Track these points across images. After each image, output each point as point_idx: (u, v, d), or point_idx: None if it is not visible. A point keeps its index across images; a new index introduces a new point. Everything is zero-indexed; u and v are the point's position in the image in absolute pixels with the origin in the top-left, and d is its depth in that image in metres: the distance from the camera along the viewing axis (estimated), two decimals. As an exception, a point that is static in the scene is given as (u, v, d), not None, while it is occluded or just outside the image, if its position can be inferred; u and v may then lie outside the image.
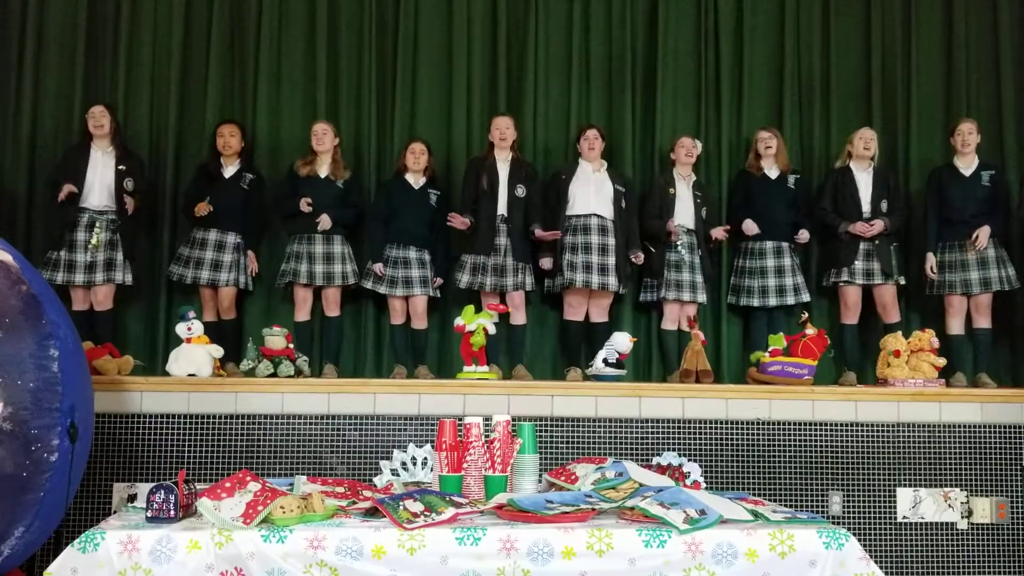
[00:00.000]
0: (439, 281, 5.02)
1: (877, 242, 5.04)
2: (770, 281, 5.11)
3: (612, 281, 4.87)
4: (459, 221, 4.87)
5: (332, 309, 5.00)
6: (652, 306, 5.27)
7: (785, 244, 5.16)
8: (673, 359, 5.02)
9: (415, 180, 5.04)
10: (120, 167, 4.82)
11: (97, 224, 4.75)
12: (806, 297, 5.13)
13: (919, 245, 5.29)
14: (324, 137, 4.97)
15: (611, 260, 4.88)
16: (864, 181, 5.13)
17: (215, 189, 4.94)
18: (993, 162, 5.27)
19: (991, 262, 4.95)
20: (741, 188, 5.31)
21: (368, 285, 4.97)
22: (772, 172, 5.23)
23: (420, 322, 4.99)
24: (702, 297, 5.05)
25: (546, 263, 4.93)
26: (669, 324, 5.08)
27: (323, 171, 4.99)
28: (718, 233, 5.14)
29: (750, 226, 5.11)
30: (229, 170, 4.99)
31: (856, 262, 5.05)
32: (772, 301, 5.10)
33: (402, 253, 4.96)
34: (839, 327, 5.18)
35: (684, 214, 5.09)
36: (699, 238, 5.09)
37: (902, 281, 5.11)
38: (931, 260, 5.06)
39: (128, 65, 5.27)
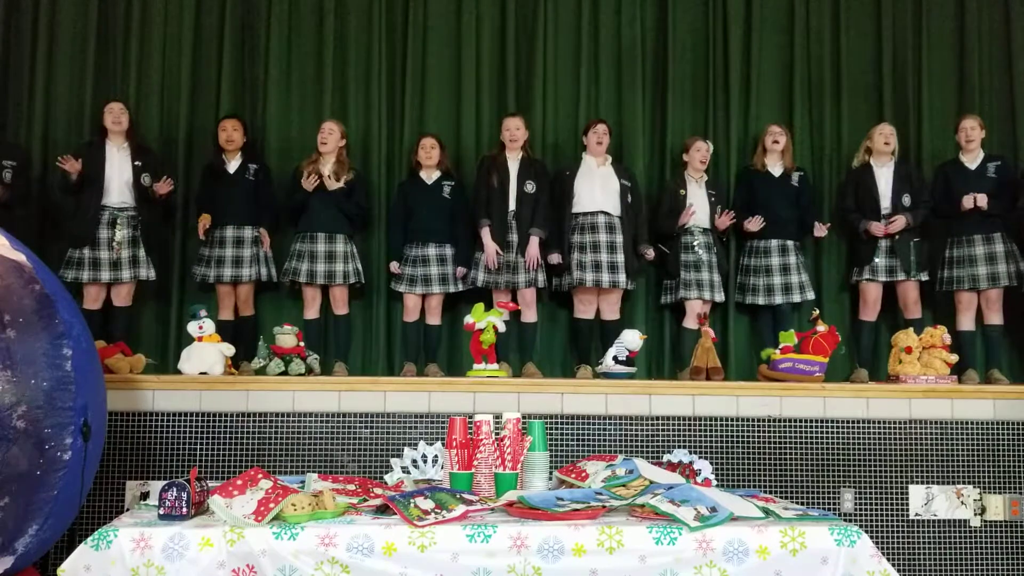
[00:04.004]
0: (462, 271, 5.00)
1: (897, 238, 5.01)
2: (775, 279, 5.10)
3: (621, 279, 4.87)
4: (491, 259, 4.86)
5: (340, 308, 5.01)
6: (668, 304, 5.26)
7: (790, 242, 5.15)
8: (690, 357, 5.00)
9: (428, 176, 5.05)
10: (136, 163, 4.85)
11: (118, 221, 4.78)
12: (811, 295, 5.12)
13: (933, 241, 5.29)
14: (329, 137, 4.97)
15: (620, 257, 4.88)
16: (884, 177, 5.11)
17: (223, 186, 4.96)
18: (998, 153, 5.23)
19: (1000, 257, 4.92)
20: (744, 185, 5.30)
21: (392, 285, 5.00)
22: (776, 169, 5.21)
23: (434, 318, 5.00)
24: (720, 296, 5.06)
25: (555, 258, 4.93)
26: (691, 323, 5.05)
27: (326, 170, 4.98)
28: (722, 221, 5.11)
29: (755, 223, 5.09)
30: (232, 165, 5.00)
31: (876, 259, 5.03)
32: (778, 299, 5.09)
33: (421, 251, 4.97)
34: (857, 323, 5.17)
35: (698, 214, 5.08)
36: (715, 237, 5.10)
37: (924, 277, 5.08)
38: None
39: (139, 63, 5.29)
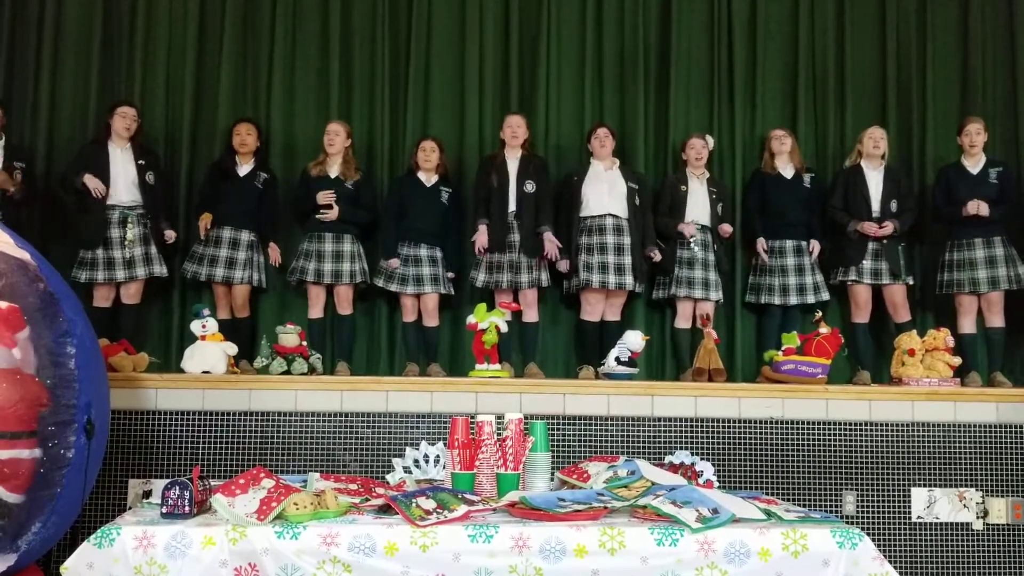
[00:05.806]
0: (452, 275, 5.01)
1: (885, 242, 5.02)
2: (790, 280, 5.10)
3: (629, 280, 4.87)
4: (481, 245, 4.90)
5: (344, 307, 5.01)
6: (665, 304, 5.26)
7: (804, 243, 5.15)
8: (686, 357, 5.01)
9: (427, 178, 5.05)
10: (140, 161, 4.87)
11: (129, 219, 4.80)
12: (825, 295, 5.11)
13: (932, 244, 5.27)
14: (336, 138, 4.99)
15: (627, 260, 4.88)
16: (875, 180, 5.11)
17: (229, 187, 4.97)
18: (1000, 158, 5.25)
19: (1000, 261, 4.91)
20: (756, 188, 5.29)
21: (380, 283, 4.98)
22: (787, 171, 5.21)
23: (431, 320, 4.99)
24: (716, 295, 5.04)
25: (563, 266, 4.93)
26: (682, 322, 5.06)
27: (333, 172, 5.01)
28: (725, 229, 5.12)
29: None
30: (244, 168, 5.02)
31: (864, 261, 5.04)
32: (793, 299, 5.09)
33: (413, 251, 4.96)
34: (851, 326, 5.16)
35: (698, 211, 5.08)
36: (714, 235, 5.09)
37: (910, 281, 5.10)
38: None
39: (143, 64, 5.30)
